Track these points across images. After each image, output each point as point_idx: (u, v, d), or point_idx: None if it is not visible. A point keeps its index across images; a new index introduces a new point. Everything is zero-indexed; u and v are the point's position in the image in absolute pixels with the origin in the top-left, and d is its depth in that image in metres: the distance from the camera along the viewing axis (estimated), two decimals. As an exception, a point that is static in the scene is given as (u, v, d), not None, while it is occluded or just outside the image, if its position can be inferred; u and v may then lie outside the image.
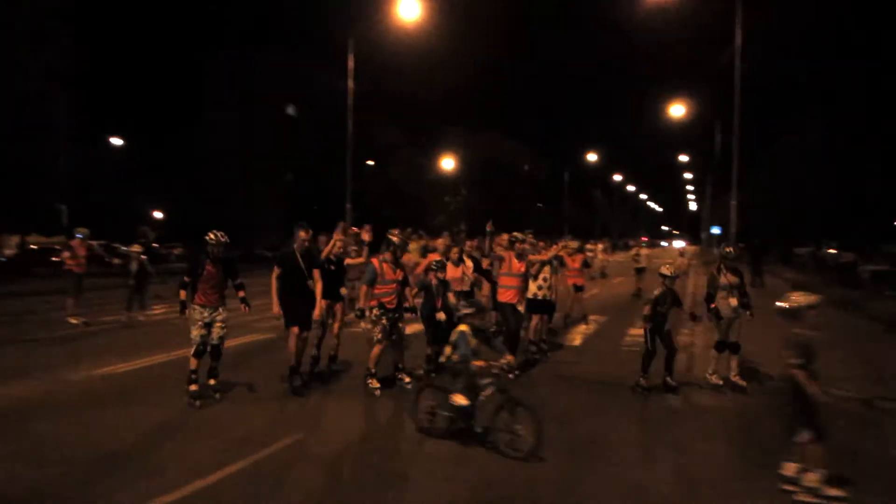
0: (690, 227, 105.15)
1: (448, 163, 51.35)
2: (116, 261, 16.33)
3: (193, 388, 7.05)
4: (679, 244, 67.03)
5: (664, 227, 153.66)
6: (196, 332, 7.11)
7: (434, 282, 8.27)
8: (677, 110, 35.01)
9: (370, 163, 45.82)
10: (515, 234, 9.60)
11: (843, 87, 41.53)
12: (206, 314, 7.14)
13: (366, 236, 10.21)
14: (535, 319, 9.73)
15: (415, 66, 45.26)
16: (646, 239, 50.03)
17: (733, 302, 7.86)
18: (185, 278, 7.22)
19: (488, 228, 9.63)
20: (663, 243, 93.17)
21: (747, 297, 8.06)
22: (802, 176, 40.12)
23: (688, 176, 74.43)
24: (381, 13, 25.54)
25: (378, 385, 7.52)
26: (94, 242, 36.10)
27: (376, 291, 7.60)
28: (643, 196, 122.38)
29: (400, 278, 7.71)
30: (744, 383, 7.84)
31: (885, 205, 39.32)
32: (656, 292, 7.77)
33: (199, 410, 6.81)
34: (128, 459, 5.39)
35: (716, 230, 46.81)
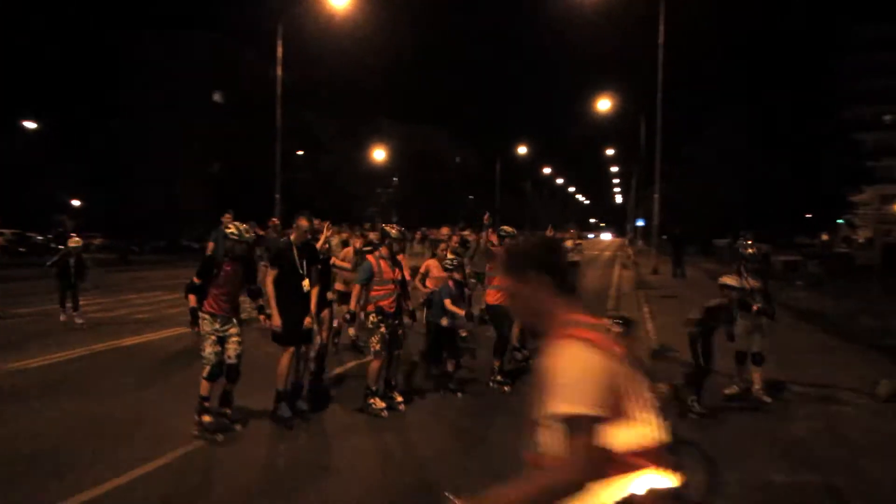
0: (616, 220, 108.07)
1: (380, 154, 51.13)
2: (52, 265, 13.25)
3: (207, 419, 5.80)
4: (606, 236, 68.71)
5: (592, 220, 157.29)
6: (210, 350, 5.82)
7: (452, 285, 7.59)
8: (604, 104, 35.89)
9: (300, 153, 45.18)
10: (505, 227, 9.00)
11: (761, 86, 43.49)
12: (218, 325, 5.88)
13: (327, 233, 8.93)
14: (518, 323, 8.61)
15: (347, 56, 44.79)
16: (572, 231, 51.02)
17: (755, 307, 7.03)
18: (196, 280, 5.95)
19: (486, 220, 8.81)
20: (590, 235, 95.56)
21: (771, 302, 7.36)
22: (721, 170, 41.88)
23: (614, 169, 76.40)
24: (313, 1, 25.19)
25: (384, 406, 6.56)
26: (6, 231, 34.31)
27: (373, 294, 6.67)
28: (572, 189, 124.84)
29: (399, 278, 6.82)
30: (768, 399, 7.07)
31: (798, 198, 41.54)
32: (715, 302, 6.74)
33: (127, 408, 6.60)
34: (50, 457, 5.24)
35: (640, 222, 48.28)
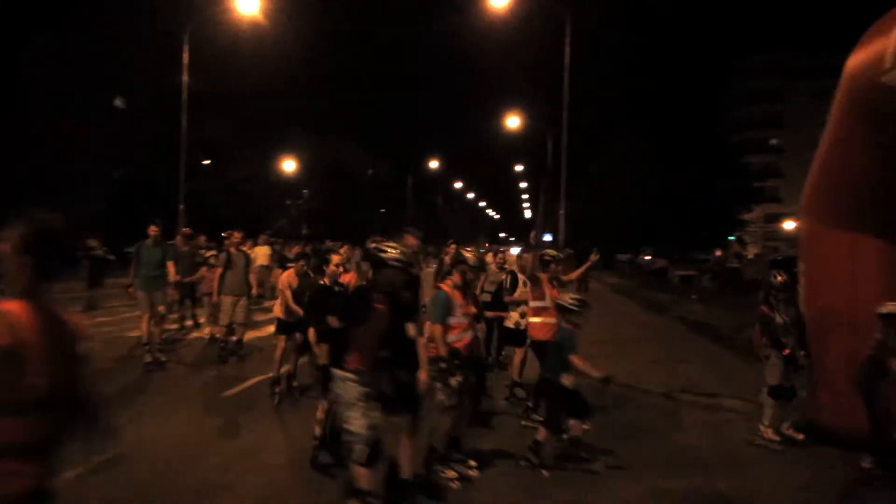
0: (526, 234, 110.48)
1: (290, 165, 50.34)
2: None
3: None
4: (515, 250, 70.02)
5: (501, 234, 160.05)
6: (362, 422, 4.15)
7: (572, 328, 5.79)
8: (514, 122, 36.76)
9: (207, 162, 43.89)
10: (549, 251, 8.08)
11: (660, 110, 45.77)
12: (369, 389, 4.26)
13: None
14: (519, 354, 7.88)
15: (257, 65, 43.96)
16: (487, 245, 51.82)
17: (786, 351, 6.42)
18: (335, 321, 4.40)
19: (532, 240, 8.00)
20: (501, 249, 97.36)
21: (803, 338, 6.63)
22: (623, 188, 43.76)
23: (523, 185, 78.26)
24: (221, 7, 24.67)
25: (455, 475, 5.18)
26: None
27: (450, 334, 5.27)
28: (482, 203, 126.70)
29: (474, 312, 5.63)
30: (800, 436, 6.50)
31: (693, 216, 43.89)
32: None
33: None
34: None
35: (548, 237, 49.57)
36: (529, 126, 37.54)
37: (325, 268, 5.92)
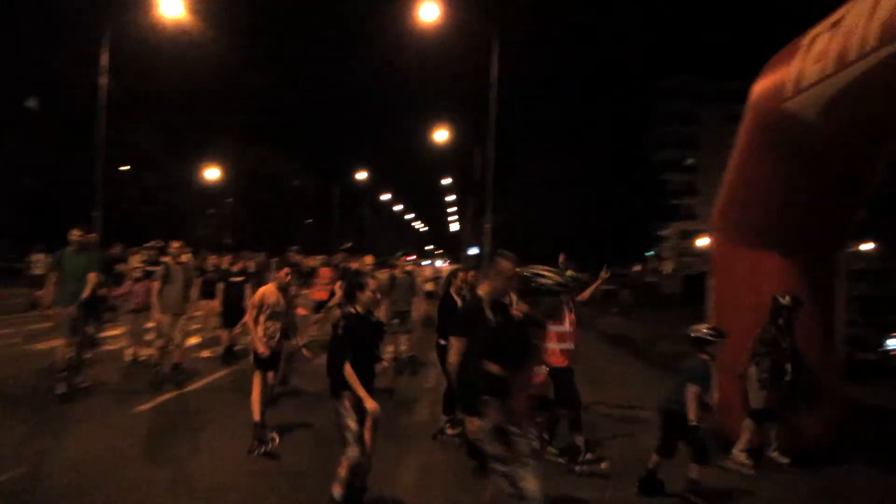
0: (452, 247, 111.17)
1: (213, 174, 49.07)
2: None
3: None
4: (439, 263, 70.24)
5: (428, 247, 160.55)
6: (536, 484, 3.67)
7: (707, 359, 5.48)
8: (442, 135, 37.05)
9: (125, 168, 42.30)
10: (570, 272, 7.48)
11: (586, 124, 47.06)
12: (534, 442, 3.94)
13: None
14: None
15: (180, 69, 42.71)
16: (413, 257, 51.84)
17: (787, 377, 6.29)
18: (498, 368, 3.73)
19: (561, 261, 7.44)
20: (425, 262, 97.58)
21: (801, 367, 6.40)
22: (549, 202, 44.76)
23: (450, 198, 78.78)
24: (144, 9, 23.93)
25: None
26: None
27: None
28: (409, 216, 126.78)
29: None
30: (785, 460, 6.33)
31: (615, 232, 45.29)
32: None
33: None
34: None
35: (474, 250, 50.10)
36: (458, 139, 37.93)
37: (358, 294, 4.92)
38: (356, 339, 4.65)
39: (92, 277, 8.04)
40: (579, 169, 43.64)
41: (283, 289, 6.57)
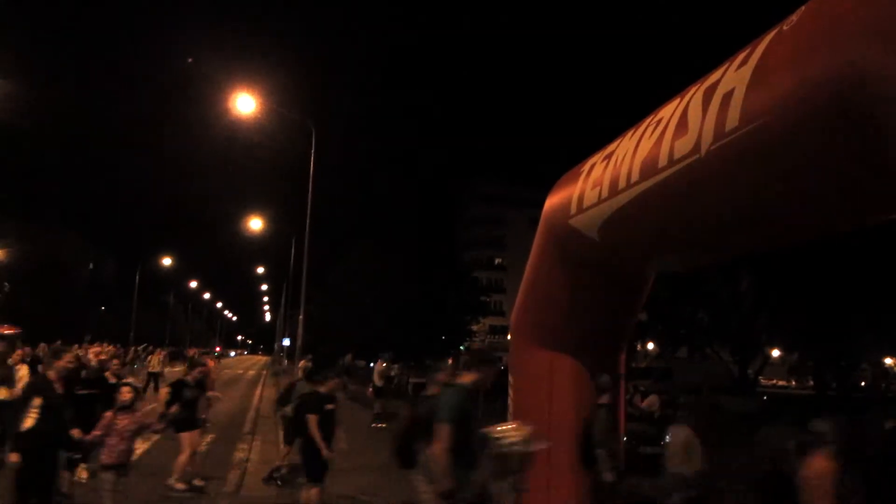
0: (265, 338, 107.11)
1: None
2: None
3: None
4: (232, 353, 67.17)
5: (239, 337, 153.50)
6: None
7: None
8: (256, 224, 36.37)
9: None
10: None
11: (401, 221, 48.44)
12: None
13: None
14: None
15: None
16: (219, 349, 49.30)
17: None
18: None
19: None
20: (232, 353, 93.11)
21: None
22: (363, 296, 44.93)
23: (264, 287, 76.59)
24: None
25: None
26: None
27: None
28: (219, 304, 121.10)
29: None
30: None
31: (429, 326, 46.27)
32: None
33: None
34: None
35: (286, 341, 48.68)
36: (273, 230, 37.38)
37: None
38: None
39: None
40: (393, 264, 44.59)
41: None
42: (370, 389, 20.69)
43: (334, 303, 44.88)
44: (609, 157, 5.55)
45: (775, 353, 36.26)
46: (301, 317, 26.42)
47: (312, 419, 7.20)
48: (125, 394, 6.63)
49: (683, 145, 4.26)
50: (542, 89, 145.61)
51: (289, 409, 9.80)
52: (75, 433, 6.38)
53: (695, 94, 4.37)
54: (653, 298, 7.66)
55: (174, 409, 8.78)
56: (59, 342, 11.83)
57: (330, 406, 7.52)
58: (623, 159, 5.12)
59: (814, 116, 3.32)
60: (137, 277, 60.20)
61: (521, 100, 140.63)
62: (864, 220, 4.04)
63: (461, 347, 57.42)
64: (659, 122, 4.78)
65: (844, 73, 3.14)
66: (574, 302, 6.88)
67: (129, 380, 7.76)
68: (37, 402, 5.98)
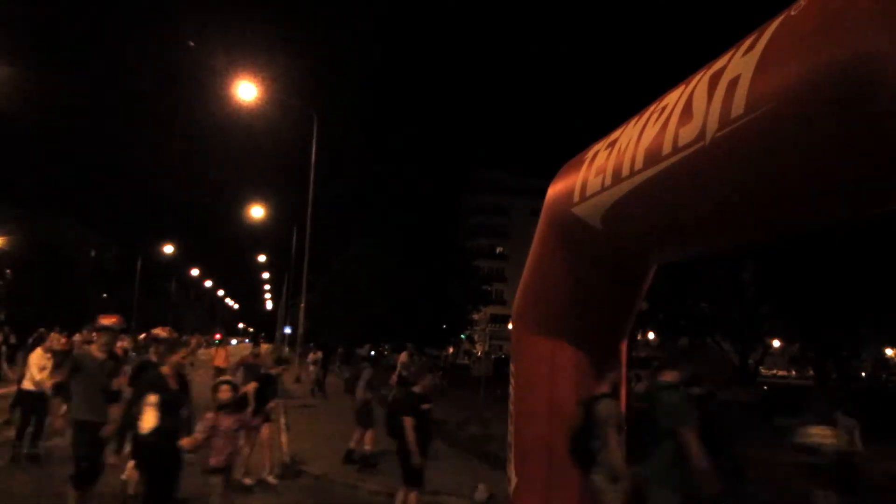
0: (266, 326, 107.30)
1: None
2: None
3: None
4: (234, 342, 67.21)
5: (241, 325, 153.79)
6: None
7: None
8: (258, 212, 36.37)
9: None
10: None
11: (403, 209, 48.51)
12: None
13: None
14: None
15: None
16: (219, 336, 49.35)
17: None
18: None
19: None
20: (234, 341, 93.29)
21: None
22: (365, 284, 44.95)
23: (265, 276, 76.66)
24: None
25: None
26: None
27: None
28: (221, 292, 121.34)
29: None
30: None
31: (430, 315, 46.29)
32: None
33: None
34: None
35: (287, 330, 48.76)
36: (275, 218, 37.37)
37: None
38: None
39: None
40: (395, 252, 44.54)
41: None
42: (393, 379, 20.67)
43: (336, 291, 44.87)
44: (613, 144, 5.50)
45: (776, 343, 36.29)
46: (302, 305, 26.44)
47: (409, 422, 6.81)
48: (224, 392, 6.15)
49: (688, 133, 4.21)
50: (546, 77, 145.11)
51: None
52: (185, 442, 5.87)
53: (700, 80, 4.31)
54: (654, 288, 7.61)
55: (272, 404, 8.78)
56: (56, 328, 11.83)
57: (426, 406, 7.14)
58: (627, 147, 5.06)
59: (821, 103, 3.27)
60: (139, 265, 60.32)
61: (524, 87, 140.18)
62: (872, 210, 4.00)
63: (462, 336, 57.49)
64: (663, 109, 4.73)
65: (853, 60, 3.09)
66: (576, 291, 6.84)
67: (228, 377, 7.30)
68: (152, 399, 5.50)
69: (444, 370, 31.08)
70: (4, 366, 11.02)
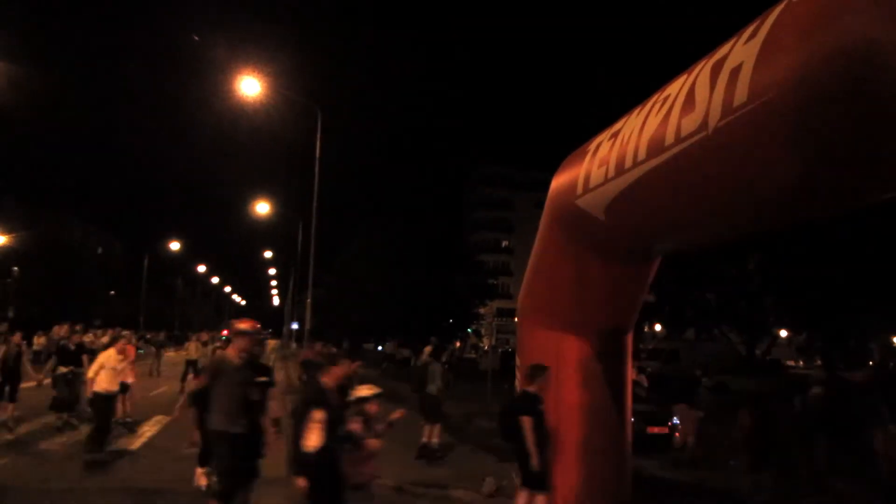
0: (273, 322, 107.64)
1: (-2, 239, 44.16)
2: None
3: None
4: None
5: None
6: None
7: None
8: (263, 208, 36.40)
9: None
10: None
11: (408, 204, 48.42)
12: None
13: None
14: None
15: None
16: (226, 333, 49.53)
17: None
18: None
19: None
20: None
21: None
22: (371, 279, 45.01)
23: (272, 272, 76.83)
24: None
25: None
26: None
27: None
28: (227, 289, 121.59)
29: None
30: None
31: (436, 309, 46.31)
32: None
33: None
34: None
35: (294, 325, 48.92)
36: (281, 214, 37.41)
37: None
38: None
39: None
40: (400, 246, 44.57)
41: None
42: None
43: (342, 286, 44.92)
44: (616, 135, 5.48)
45: (783, 333, 36.18)
46: (309, 300, 26.48)
47: (527, 422, 6.39)
48: (372, 406, 5.56)
49: (691, 122, 4.20)
50: (549, 69, 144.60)
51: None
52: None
53: (702, 69, 4.29)
54: (659, 279, 7.61)
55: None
56: (67, 325, 11.91)
57: (542, 406, 6.72)
58: (630, 137, 5.05)
59: (824, 90, 3.26)
60: (146, 261, 60.48)
61: (528, 80, 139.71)
62: (876, 197, 3.98)
63: (469, 330, 57.46)
64: (666, 99, 4.71)
65: (854, 47, 3.08)
66: (581, 283, 6.84)
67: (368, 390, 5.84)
68: (318, 416, 5.00)
69: (451, 364, 31.03)
70: (28, 367, 11.18)
